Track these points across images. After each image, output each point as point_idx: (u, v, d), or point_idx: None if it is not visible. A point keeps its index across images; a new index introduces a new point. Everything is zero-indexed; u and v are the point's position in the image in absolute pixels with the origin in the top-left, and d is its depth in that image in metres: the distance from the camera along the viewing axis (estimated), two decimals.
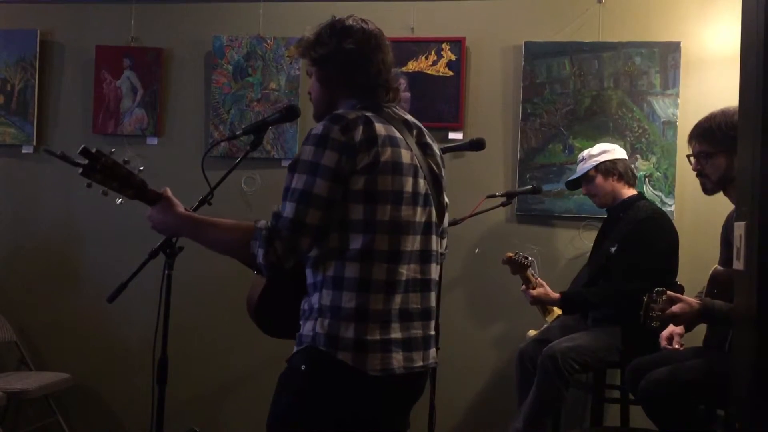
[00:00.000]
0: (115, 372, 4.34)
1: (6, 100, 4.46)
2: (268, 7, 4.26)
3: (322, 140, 1.84)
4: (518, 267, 3.48)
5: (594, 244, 3.69)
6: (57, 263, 4.46)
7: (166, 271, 2.33)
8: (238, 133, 2.36)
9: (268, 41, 4.23)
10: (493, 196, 3.45)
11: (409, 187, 1.90)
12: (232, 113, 4.27)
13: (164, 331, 2.36)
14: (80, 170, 1.94)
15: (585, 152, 3.61)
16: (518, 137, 4.02)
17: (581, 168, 3.57)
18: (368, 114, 1.90)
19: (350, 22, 2.02)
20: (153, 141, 4.38)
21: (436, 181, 2.02)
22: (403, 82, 4.10)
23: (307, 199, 1.82)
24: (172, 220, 2.00)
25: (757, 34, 1.71)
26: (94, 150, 1.95)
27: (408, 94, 4.10)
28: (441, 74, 4.08)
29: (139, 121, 4.37)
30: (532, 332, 3.70)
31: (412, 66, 4.10)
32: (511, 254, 3.48)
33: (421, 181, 1.95)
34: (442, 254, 2.11)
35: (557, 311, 3.58)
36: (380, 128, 1.89)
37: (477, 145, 3.21)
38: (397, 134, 1.93)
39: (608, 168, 3.52)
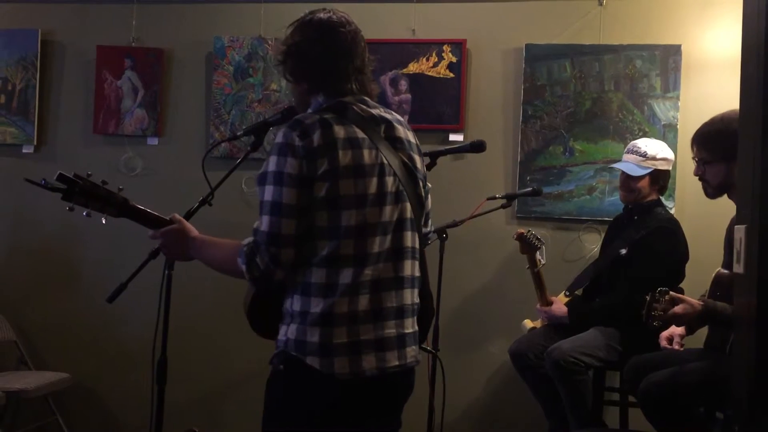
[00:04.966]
0: (114, 372, 4.33)
1: (7, 99, 4.46)
2: (269, 7, 4.26)
3: (283, 148, 1.84)
4: (528, 246, 3.45)
5: (603, 242, 3.69)
6: (57, 263, 4.46)
7: (166, 271, 2.34)
8: (238, 133, 2.36)
9: (270, 42, 4.23)
10: (494, 198, 3.44)
11: (373, 188, 1.88)
12: (232, 114, 4.27)
13: (164, 331, 2.37)
14: (61, 195, 2.01)
15: (645, 145, 3.44)
16: (519, 139, 4.02)
17: (637, 163, 3.41)
18: (327, 116, 1.89)
19: (315, 15, 2.01)
20: (153, 141, 4.38)
21: (410, 174, 1.97)
22: (403, 84, 4.11)
23: (279, 209, 1.82)
24: (185, 244, 2.08)
25: (758, 37, 1.71)
26: (72, 174, 2.01)
27: (409, 96, 4.10)
28: (442, 76, 4.08)
29: (139, 121, 4.37)
30: (528, 323, 3.70)
31: (412, 67, 4.10)
32: (523, 231, 3.45)
33: (389, 179, 1.92)
34: (427, 237, 2.11)
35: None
36: (339, 131, 1.87)
37: (477, 147, 3.21)
38: (360, 134, 1.90)
39: (658, 176, 3.46)
